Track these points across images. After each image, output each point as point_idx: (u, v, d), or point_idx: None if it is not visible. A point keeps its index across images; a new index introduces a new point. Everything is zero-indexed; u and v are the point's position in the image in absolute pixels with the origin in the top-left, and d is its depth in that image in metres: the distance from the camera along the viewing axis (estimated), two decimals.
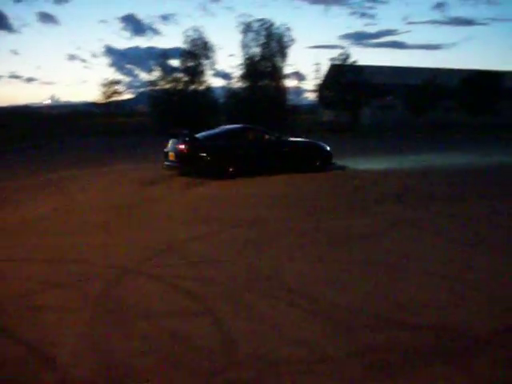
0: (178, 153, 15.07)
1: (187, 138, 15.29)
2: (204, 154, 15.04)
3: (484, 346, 4.44)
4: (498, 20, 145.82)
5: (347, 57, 52.96)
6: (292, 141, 17.43)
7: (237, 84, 48.37)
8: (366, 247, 7.68)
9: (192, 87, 46.88)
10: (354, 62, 53.08)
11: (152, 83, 47.13)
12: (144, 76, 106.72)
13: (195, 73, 46.63)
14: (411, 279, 6.21)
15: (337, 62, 53.32)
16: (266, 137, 16.61)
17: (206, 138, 15.96)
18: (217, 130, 17.29)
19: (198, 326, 4.80)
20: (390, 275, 6.35)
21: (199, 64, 46.93)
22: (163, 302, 5.44)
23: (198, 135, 15.97)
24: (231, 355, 4.21)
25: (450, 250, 7.50)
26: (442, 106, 56.85)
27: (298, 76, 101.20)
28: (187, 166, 15.35)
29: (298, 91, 68.92)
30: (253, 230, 8.68)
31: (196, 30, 47.33)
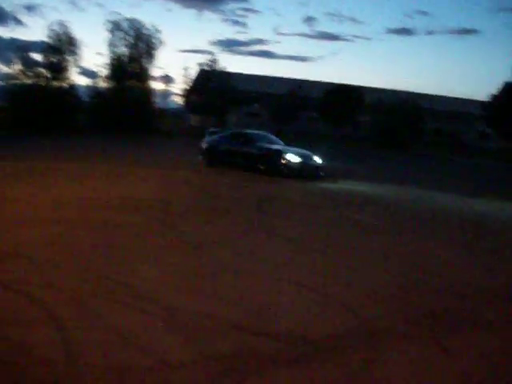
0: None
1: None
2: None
3: (322, 350, 4.61)
4: (361, 38, 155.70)
5: (216, 63, 53.54)
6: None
7: (102, 84, 47.22)
8: (220, 252, 7.72)
9: (55, 84, 45.05)
10: (223, 68, 53.76)
11: (11, 77, 44.67)
12: (3, 68, 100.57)
13: (59, 69, 44.86)
14: (263, 285, 6.33)
15: (205, 68, 53.72)
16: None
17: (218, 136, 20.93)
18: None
19: (40, 334, 4.54)
20: (244, 281, 6.43)
21: (63, 60, 45.23)
22: (4, 309, 5.10)
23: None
24: (74, 365, 4.02)
25: (299, 255, 7.76)
26: (305, 116, 58.97)
27: (167, 79, 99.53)
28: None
29: (166, 94, 68.17)
30: (106, 234, 8.42)
31: (61, 24, 45.63)
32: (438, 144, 54.67)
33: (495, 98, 48.54)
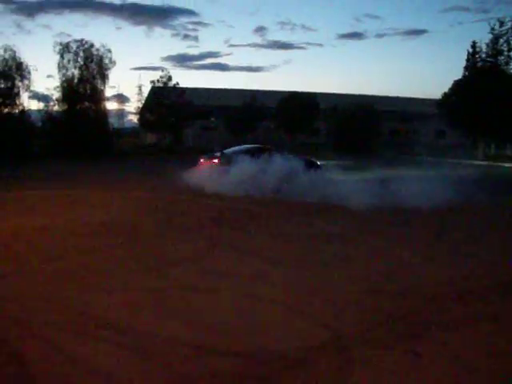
0: None
1: None
2: None
3: (292, 365, 4.57)
4: (313, 44, 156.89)
5: (169, 79, 53.26)
6: None
7: (55, 107, 46.47)
8: (186, 271, 7.62)
9: (5, 110, 44.10)
10: (176, 83, 53.52)
11: None
12: None
13: (8, 95, 43.95)
14: (230, 303, 6.26)
15: (159, 84, 53.40)
16: None
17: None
18: None
19: (4, 370, 4.39)
20: (209, 300, 6.36)
21: (13, 86, 44.35)
22: None
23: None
24: None
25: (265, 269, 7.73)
26: (262, 126, 59.16)
27: (121, 98, 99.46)
28: None
29: (122, 114, 67.64)
30: (71, 262, 8.21)
31: (8, 49, 44.74)
32: (394, 145, 55.48)
33: (447, 96, 49.50)
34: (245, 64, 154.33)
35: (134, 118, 60.76)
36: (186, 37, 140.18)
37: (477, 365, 4.65)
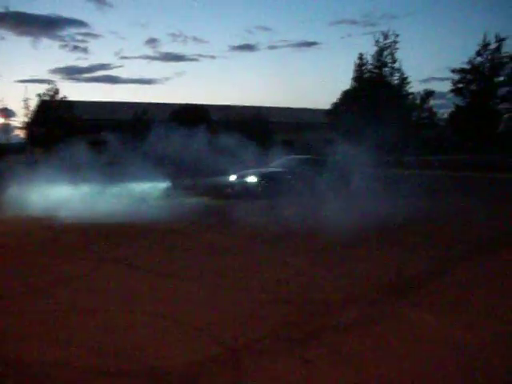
0: None
1: None
2: None
3: (185, 382, 4.44)
4: (206, 56, 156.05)
5: (56, 92, 51.62)
6: None
7: None
8: (74, 290, 7.27)
9: None
10: (64, 97, 51.96)
11: None
12: None
13: None
14: (120, 321, 6.02)
15: (45, 98, 51.60)
16: None
17: None
18: None
19: None
20: (98, 320, 6.08)
21: None
22: None
23: None
24: None
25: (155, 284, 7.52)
26: (152, 139, 58.49)
27: (6, 112, 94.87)
28: None
29: (7, 129, 64.46)
30: None
31: None
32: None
33: (335, 105, 51.19)
34: (136, 76, 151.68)
35: (22, 133, 58.15)
36: (75, 48, 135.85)
37: (365, 367, 4.69)
